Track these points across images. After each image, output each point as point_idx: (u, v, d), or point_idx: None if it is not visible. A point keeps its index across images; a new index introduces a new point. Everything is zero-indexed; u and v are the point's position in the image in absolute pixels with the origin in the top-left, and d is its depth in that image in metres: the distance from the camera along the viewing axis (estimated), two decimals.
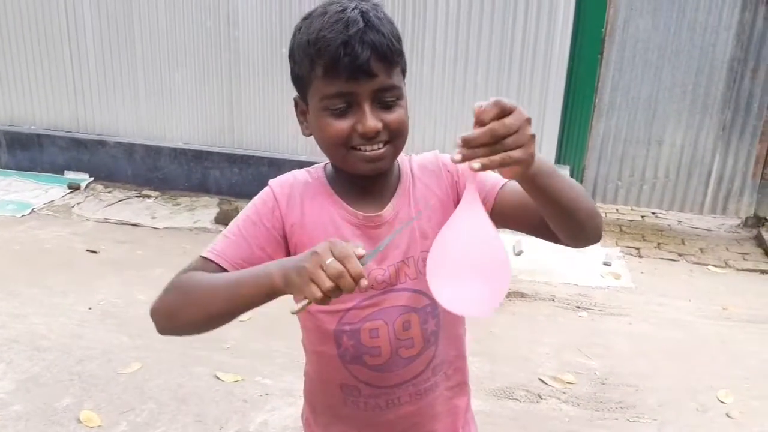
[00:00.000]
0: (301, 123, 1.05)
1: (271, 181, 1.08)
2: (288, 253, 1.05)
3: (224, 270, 1.00)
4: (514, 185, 1.02)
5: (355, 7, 0.94)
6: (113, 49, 5.10)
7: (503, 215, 1.03)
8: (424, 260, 1.04)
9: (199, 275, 0.97)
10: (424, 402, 1.12)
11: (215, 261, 1.01)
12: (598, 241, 0.99)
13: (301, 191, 1.06)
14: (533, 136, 0.79)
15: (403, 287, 1.05)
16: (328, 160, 1.08)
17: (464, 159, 0.78)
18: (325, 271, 0.80)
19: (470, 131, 0.78)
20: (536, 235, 1.03)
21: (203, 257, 1.02)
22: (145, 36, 5.00)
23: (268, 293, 0.87)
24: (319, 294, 0.80)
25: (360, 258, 0.81)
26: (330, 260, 0.80)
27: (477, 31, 4.38)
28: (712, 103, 4.63)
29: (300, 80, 1.00)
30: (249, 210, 1.06)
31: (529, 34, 4.37)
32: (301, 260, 0.83)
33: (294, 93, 1.05)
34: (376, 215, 1.05)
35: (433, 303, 1.07)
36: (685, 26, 4.55)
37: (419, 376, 1.10)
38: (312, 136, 1.03)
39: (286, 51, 1.05)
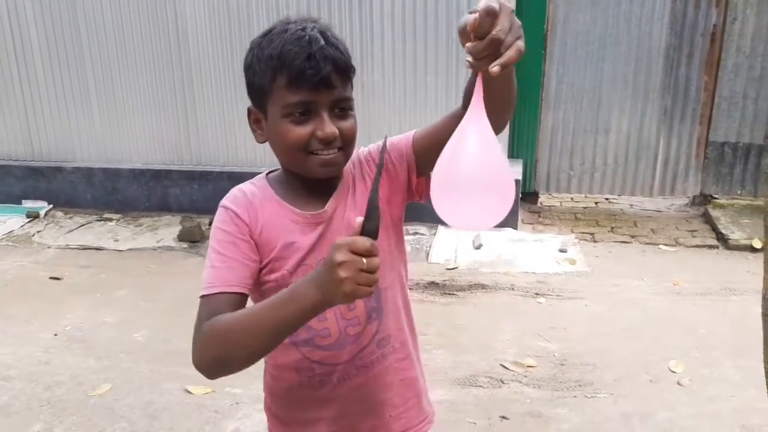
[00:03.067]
0: (254, 131, 1.16)
1: (222, 202, 1.16)
2: (258, 255, 1.12)
3: (239, 294, 1.06)
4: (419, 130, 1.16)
5: (313, 27, 1.06)
6: (63, 74, 5.09)
7: (423, 148, 1.13)
8: None
9: (229, 317, 1.00)
10: (372, 373, 1.21)
11: (229, 291, 1.05)
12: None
13: (252, 200, 1.15)
14: (520, 24, 0.84)
15: None
16: (269, 169, 1.20)
17: (474, 68, 0.85)
18: (366, 271, 0.87)
19: (472, 43, 0.83)
20: None
21: (210, 295, 1.05)
22: (95, 59, 5.00)
23: (312, 312, 0.93)
24: (371, 291, 0.89)
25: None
26: (365, 260, 0.87)
27: (423, 35, 4.50)
28: (653, 89, 4.83)
29: (259, 91, 1.10)
30: (219, 234, 1.11)
31: None
32: (333, 274, 0.87)
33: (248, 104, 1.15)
34: (321, 212, 1.15)
35: None
36: (621, 18, 4.74)
37: (364, 350, 1.19)
38: (267, 143, 1.14)
39: (244, 65, 1.14)
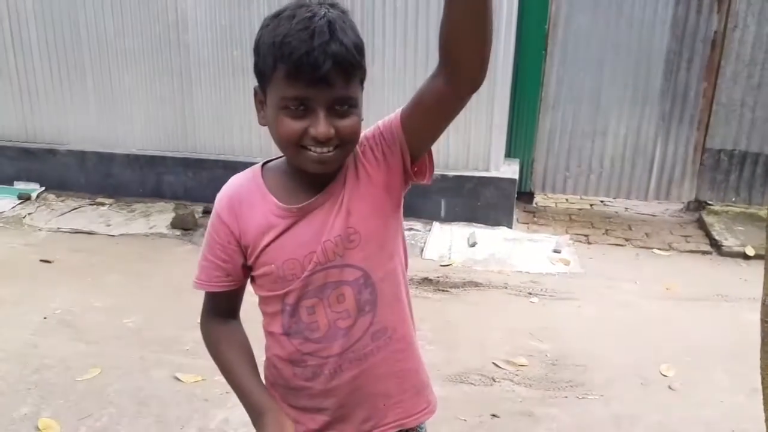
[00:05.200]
0: (258, 111, 1.12)
1: (217, 197, 1.19)
2: (245, 254, 1.17)
3: (218, 292, 1.21)
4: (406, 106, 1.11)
5: (323, 15, 0.99)
6: (60, 56, 5.03)
7: (412, 127, 1.09)
8: (349, 236, 1.12)
9: (218, 350, 1.23)
10: (365, 366, 1.20)
11: (210, 290, 1.21)
12: (484, 73, 0.99)
13: (239, 198, 1.16)
14: None
15: (332, 265, 1.13)
16: (265, 159, 1.20)
17: None
18: None
19: None
20: (445, 113, 1.05)
21: (205, 291, 1.23)
22: (93, 43, 4.94)
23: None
24: None
25: None
26: None
27: (425, 31, 4.47)
28: (652, 94, 4.83)
29: (262, 74, 1.06)
30: (208, 230, 1.20)
31: None
32: None
33: (253, 83, 1.11)
34: (300, 206, 1.12)
35: (365, 274, 1.15)
36: (623, 21, 4.74)
37: (357, 343, 1.18)
38: (267, 127, 1.10)
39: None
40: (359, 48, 1.05)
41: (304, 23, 0.98)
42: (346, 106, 1.04)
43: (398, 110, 1.12)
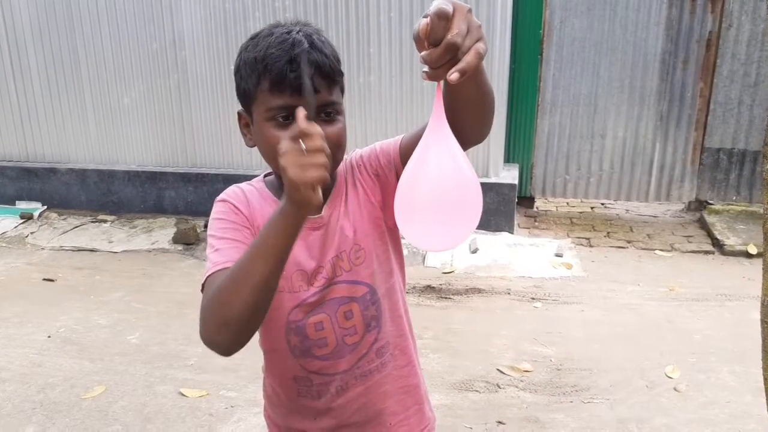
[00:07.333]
0: (244, 135, 1.14)
1: (219, 197, 1.14)
2: None
3: None
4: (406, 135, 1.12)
5: (299, 30, 1.03)
6: (59, 76, 5.07)
7: (408, 154, 1.05)
8: (356, 252, 1.13)
9: (220, 277, 0.98)
10: (371, 382, 1.20)
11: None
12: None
13: (250, 198, 1.14)
14: (480, 24, 0.78)
15: (340, 280, 1.13)
16: (265, 172, 1.18)
17: (432, 79, 0.78)
18: (311, 152, 0.84)
19: (428, 51, 0.76)
20: None
21: (215, 272, 1.01)
22: (91, 62, 4.98)
23: (293, 227, 0.89)
24: (324, 173, 0.84)
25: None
26: (304, 144, 0.84)
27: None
28: (649, 95, 4.85)
29: (246, 94, 1.08)
30: (219, 223, 1.09)
31: None
32: (281, 171, 0.86)
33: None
34: (317, 217, 1.13)
35: (372, 290, 1.15)
36: (617, 24, 4.76)
37: (363, 359, 1.18)
38: (255, 147, 1.11)
39: (233, 68, 1.12)
40: (337, 58, 1.08)
41: (283, 37, 1.02)
42: (332, 112, 1.06)
43: (399, 138, 1.13)
